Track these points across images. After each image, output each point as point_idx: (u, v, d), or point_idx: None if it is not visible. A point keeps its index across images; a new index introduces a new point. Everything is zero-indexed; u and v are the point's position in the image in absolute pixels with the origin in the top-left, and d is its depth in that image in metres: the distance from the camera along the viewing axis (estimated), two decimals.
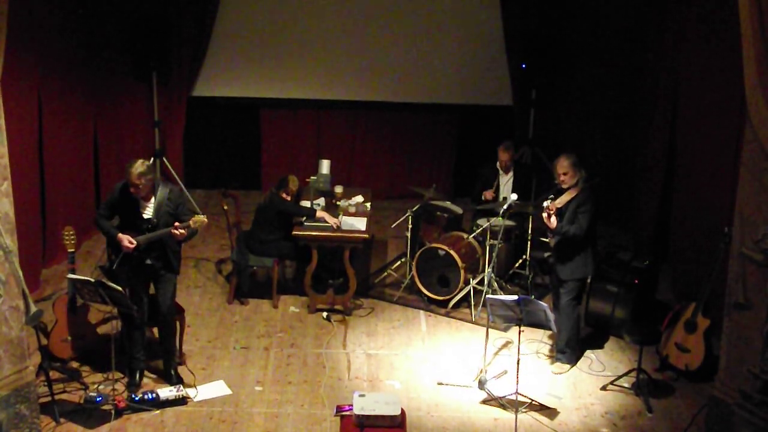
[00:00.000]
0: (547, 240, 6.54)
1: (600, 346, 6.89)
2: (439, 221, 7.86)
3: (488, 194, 7.83)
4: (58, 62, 7.89)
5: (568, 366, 6.52)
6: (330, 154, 8.79)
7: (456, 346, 6.87)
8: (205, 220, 5.86)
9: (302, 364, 6.51)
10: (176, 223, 5.78)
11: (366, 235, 7.28)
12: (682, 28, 7.63)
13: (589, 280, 6.76)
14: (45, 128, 7.64)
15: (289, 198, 7.31)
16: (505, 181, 7.90)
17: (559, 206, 6.22)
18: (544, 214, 6.23)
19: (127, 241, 5.78)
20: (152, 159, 9.15)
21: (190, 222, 5.79)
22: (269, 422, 5.76)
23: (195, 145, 9.82)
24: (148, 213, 5.86)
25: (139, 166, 5.71)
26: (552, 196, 6.28)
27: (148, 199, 5.86)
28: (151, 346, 6.34)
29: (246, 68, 9.63)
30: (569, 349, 6.52)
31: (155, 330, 6.43)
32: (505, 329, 7.02)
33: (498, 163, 7.93)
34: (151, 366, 6.28)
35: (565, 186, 6.28)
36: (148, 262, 5.91)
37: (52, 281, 7.60)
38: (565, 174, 6.24)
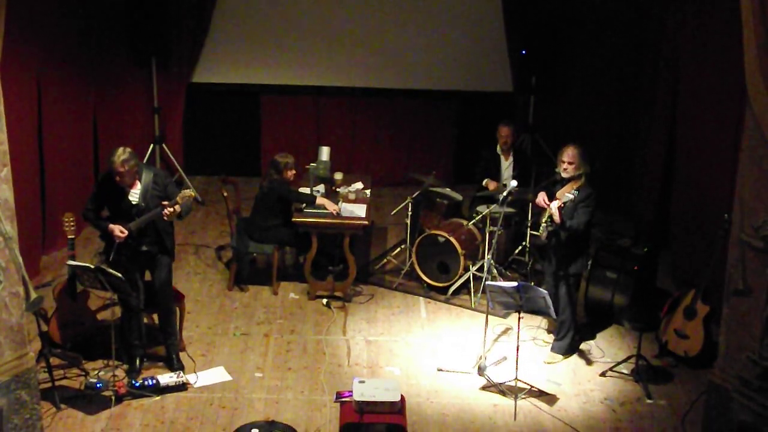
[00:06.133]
0: (538, 234, 6.49)
1: (599, 333, 6.88)
2: (439, 208, 7.84)
3: (491, 184, 7.75)
4: (57, 48, 7.85)
5: (560, 357, 6.48)
6: (330, 140, 8.73)
7: (455, 332, 6.87)
8: (192, 193, 5.80)
9: (302, 350, 6.51)
10: (164, 202, 5.75)
11: (366, 222, 7.27)
12: (683, 14, 7.58)
13: (588, 267, 6.72)
14: (44, 114, 7.62)
15: (293, 172, 7.23)
16: (506, 166, 7.87)
17: (560, 199, 6.10)
18: (554, 205, 6.06)
19: (118, 230, 5.77)
20: (152, 145, 9.19)
21: (178, 198, 5.75)
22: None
23: (195, 132, 9.78)
24: (135, 198, 5.84)
25: (122, 153, 5.67)
26: (576, 189, 6.08)
27: (133, 186, 5.83)
28: (150, 332, 6.33)
29: (246, 54, 9.59)
30: (563, 339, 6.49)
31: (155, 316, 6.41)
32: (505, 316, 7.02)
33: (498, 146, 7.88)
34: (150, 352, 6.27)
35: (566, 175, 6.16)
36: (144, 248, 5.90)
37: (52, 268, 7.60)
38: (570, 163, 6.12)
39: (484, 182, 7.83)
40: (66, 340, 6.21)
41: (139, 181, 5.83)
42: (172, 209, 5.73)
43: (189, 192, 5.79)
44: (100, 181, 5.86)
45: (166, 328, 6.16)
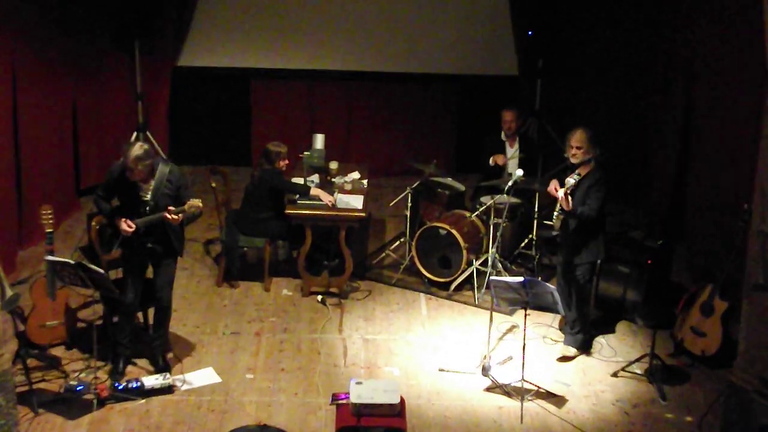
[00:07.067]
0: (551, 222, 6.46)
1: (611, 330, 6.81)
2: (440, 199, 7.81)
3: (500, 158, 7.77)
4: (34, 30, 7.76)
5: (574, 351, 6.42)
6: (324, 127, 8.66)
7: (458, 330, 6.80)
8: (200, 204, 5.79)
9: (296, 350, 6.44)
10: (170, 207, 5.70)
11: (363, 214, 7.21)
12: None
13: (599, 262, 6.66)
14: (20, 101, 7.57)
15: (286, 161, 7.18)
16: (511, 153, 7.88)
17: (565, 186, 6.06)
18: (560, 192, 6.02)
19: (125, 224, 5.71)
20: (135, 133, 9.21)
21: (185, 206, 5.73)
22: (261, 411, 5.68)
23: (181, 119, 9.82)
24: (147, 195, 5.80)
25: (137, 149, 5.61)
26: (578, 173, 6.08)
27: (147, 182, 5.79)
28: (135, 331, 6.25)
29: (235, 36, 9.61)
30: (578, 333, 6.41)
31: (139, 315, 6.38)
32: (511, 313, 6.91)
33: (502, 132, 7.90)
34: (135, 353, 6.20)
35: (575, 161, 6.12)
36: (149, 245, 5.86)
37: (29, 263, 7.54)
38: (579, 148, 6.06)
39: (491, 160, 7.82)
40: (45, 340, 6.14)
41: (153, 178, 5.79)
42: (176, 216, 5.70)
43: (197, 203, 5.77)
44: (117, 171, 5.83)
45: (158, 329, 6.14)
